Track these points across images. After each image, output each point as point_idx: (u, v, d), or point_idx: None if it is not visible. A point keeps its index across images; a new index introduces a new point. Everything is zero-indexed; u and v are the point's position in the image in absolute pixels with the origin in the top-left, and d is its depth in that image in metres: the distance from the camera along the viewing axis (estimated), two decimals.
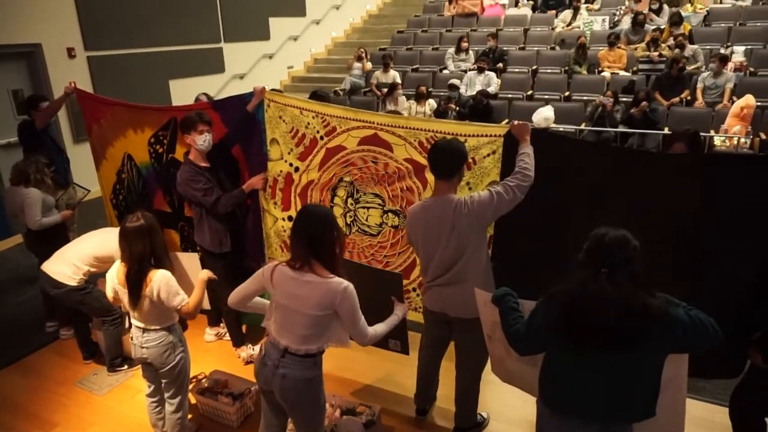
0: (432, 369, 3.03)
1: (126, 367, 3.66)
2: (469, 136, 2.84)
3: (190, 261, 3.03)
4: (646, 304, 1.72)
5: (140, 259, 2.56)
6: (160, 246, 2.63)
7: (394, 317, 2.44)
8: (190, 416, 3.18)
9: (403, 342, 2.85)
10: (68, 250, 3.43)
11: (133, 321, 2.71)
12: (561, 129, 7.18)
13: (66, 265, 3.36)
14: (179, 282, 2.68)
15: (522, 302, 2.17)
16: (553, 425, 2.01)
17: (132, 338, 2.75)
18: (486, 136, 2.82)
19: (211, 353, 3.88)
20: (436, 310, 2.75)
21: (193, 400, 3.21)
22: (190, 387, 3.05)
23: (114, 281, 2.70)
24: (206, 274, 2.82)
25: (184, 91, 7.86)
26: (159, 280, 2.57)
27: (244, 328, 3.90)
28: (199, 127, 3.27)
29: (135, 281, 2.58)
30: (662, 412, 1.92)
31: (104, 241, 3.38)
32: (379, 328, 2.33)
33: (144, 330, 2.67)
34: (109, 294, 2.78)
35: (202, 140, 3.29)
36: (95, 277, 3.54)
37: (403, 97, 8.12)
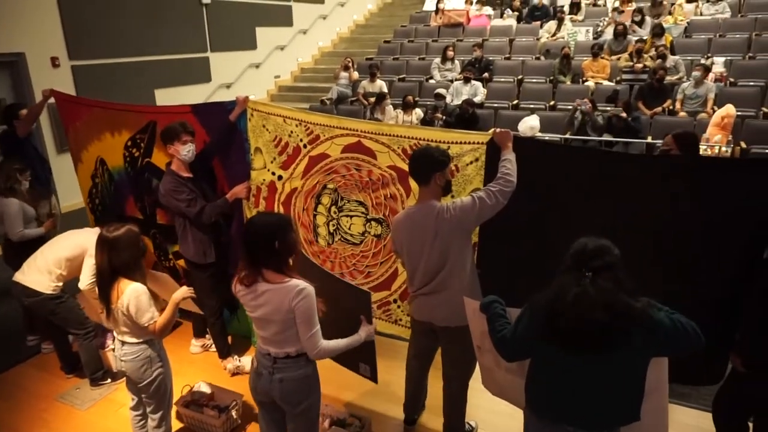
0: (420, 378, 3.02)
1: (109, 380, 3.60)
2: (452, 143, 2.86)
3: (165, 280, 2.93)
4: (629, 307, 1.75)
5: (102, 270, 2.53)
6: (126, 261, 2.52)
7: (356, 336, 2.34)
8: (180, 426, 3.15)
9: (372, 367, 2.66)
10: (38, 258, 3.36)
11: (114, 333, 2.66)
12: (546, 137, 7.26)
13: (38, 273, 3.30)
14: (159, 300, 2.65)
15: (509, 310, 2.17)
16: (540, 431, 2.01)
17: (114, 350, 2.70)
18: (469, 143, 2.83)
19: (197, 365, 3.83)
20: (422, 320, 2.74)
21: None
22: (175, 400, 3.00)
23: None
24: (181, 294, 2.71)
25: (169, 101, 7.81)
26: (130, 294, 2.50)
27: (230, 339, 3.85)
28: (183, 138, 3.23)
29: (102, 292, 2.55)
30: (646, 417, 1.93)
31: (73, 242, 3.34)
32: (335, 344, 2.25)
33: (123, 343, 2.62)
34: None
35: (186, 150, 3.26)
36: (72, 289, 3.47)
37: (391, 106, 8.15)
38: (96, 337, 3.54)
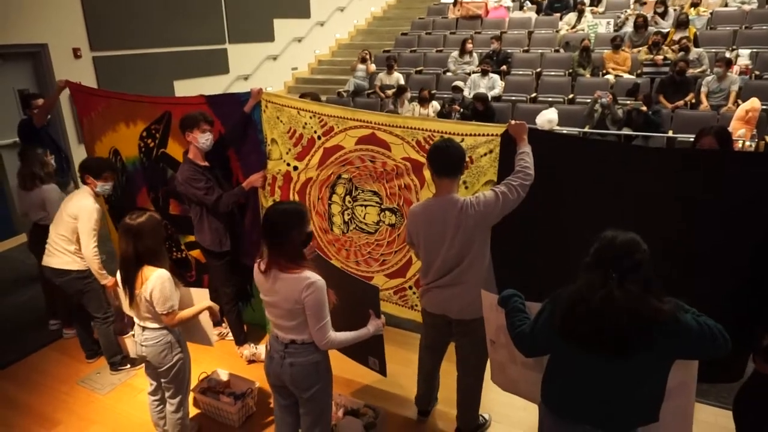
0: (432, 370, 3.02)
1: (128, 365, 3.67)
2: (467, 135, 2.84)
3: (200, 296, 2.93)
4: (655, 309, 1.69)
5: (127, 257, 2.57)
6: (150, 247, 2.57)
7: (364, 330, 2.38)
8: (197, 412, 3.19)
9: (381, 361, 2.69)
10: (50, 242, 3.42)
11: (135, 319, 2.71)
12: (565, 131, 7.17)
13: (61, 254, 3.37)
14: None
15: (529, 304, 2.14)
16: (556, 429, 2.00)
17: (134, 335, 2.75)
18: (483, 135, 2.81)
19: (213, 353, 3.85)
20: (436, 312, 2.74)
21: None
22: (192, 387, 3.05)
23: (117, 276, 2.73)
24: (210, 303, 2.79)
25: (188, 92, 7.87)
26: (155, 280, 2.55)
27: (245, 327, 3.90)
28: (202, 126, 3.27)
29: (126, 279, 2.60)
30: (670, 417, 1.89)
31: (66, 216, 3.35)
32: (343, 336, 2.29)
33: (143, 328, 2.67)
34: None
35: (204, 139, 3.30)
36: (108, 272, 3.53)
37: (408, 100, 8.12)
38: (114, 322, 3.61)
